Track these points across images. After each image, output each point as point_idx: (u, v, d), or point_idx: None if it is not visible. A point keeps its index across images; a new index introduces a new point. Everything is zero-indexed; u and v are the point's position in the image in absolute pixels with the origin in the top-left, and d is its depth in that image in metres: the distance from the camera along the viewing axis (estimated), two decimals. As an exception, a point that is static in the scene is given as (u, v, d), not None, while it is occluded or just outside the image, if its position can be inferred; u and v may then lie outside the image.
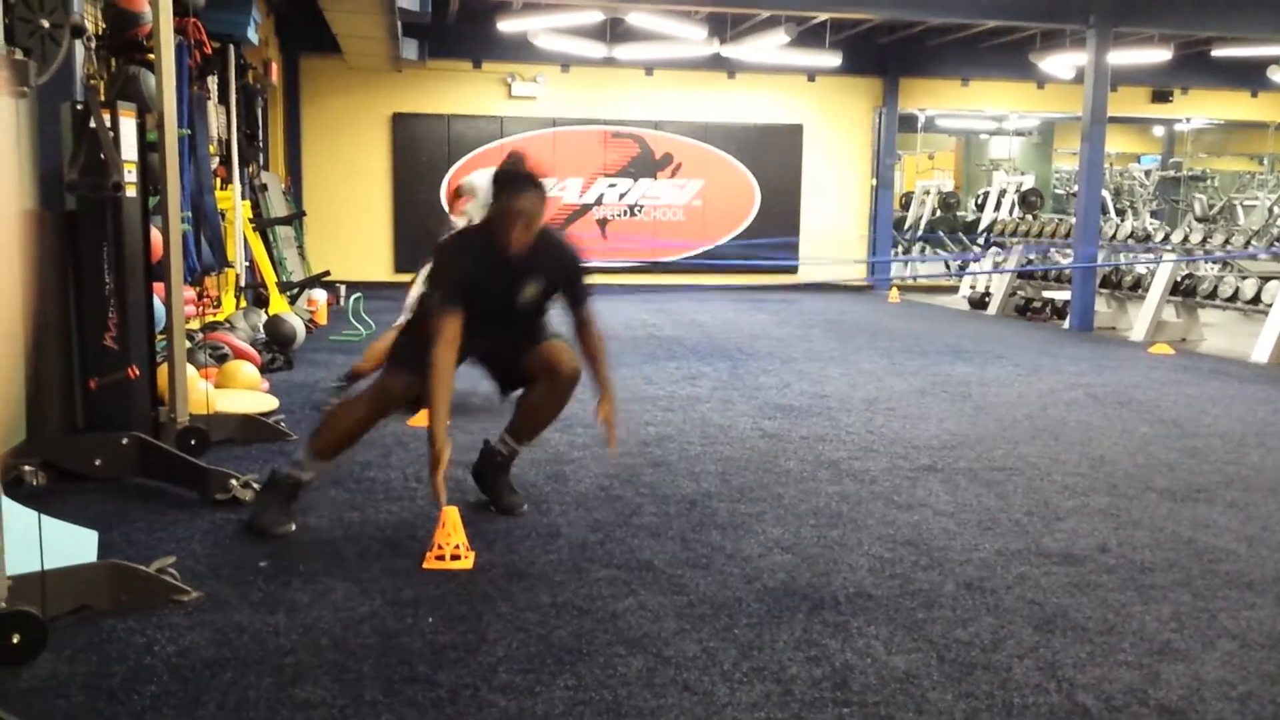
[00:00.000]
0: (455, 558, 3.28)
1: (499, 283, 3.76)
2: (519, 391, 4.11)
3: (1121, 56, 12.67)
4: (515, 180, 3.69)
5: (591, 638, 2.79)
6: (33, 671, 2.53)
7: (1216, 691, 2.55)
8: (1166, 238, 10.97)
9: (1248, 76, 15.65)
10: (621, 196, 15.32)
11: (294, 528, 3.66)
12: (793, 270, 15.64)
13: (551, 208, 3.99)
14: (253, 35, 8.19)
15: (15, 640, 2.54)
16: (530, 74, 14.83)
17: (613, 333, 9.40)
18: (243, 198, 8.60)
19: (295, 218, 11.38)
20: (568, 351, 3.94)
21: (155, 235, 4.56)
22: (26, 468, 3.99)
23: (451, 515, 3.33)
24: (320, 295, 9.95)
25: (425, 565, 3.26)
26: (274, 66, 12.17)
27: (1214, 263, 12.51)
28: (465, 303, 3.60)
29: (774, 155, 15.50)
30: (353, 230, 14.51)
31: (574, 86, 14.93)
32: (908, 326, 10.81)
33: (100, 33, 5.38)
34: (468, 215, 5.54)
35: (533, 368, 3.96)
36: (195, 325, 6.29)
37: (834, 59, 13.77)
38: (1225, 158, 24.32)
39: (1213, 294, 9.93)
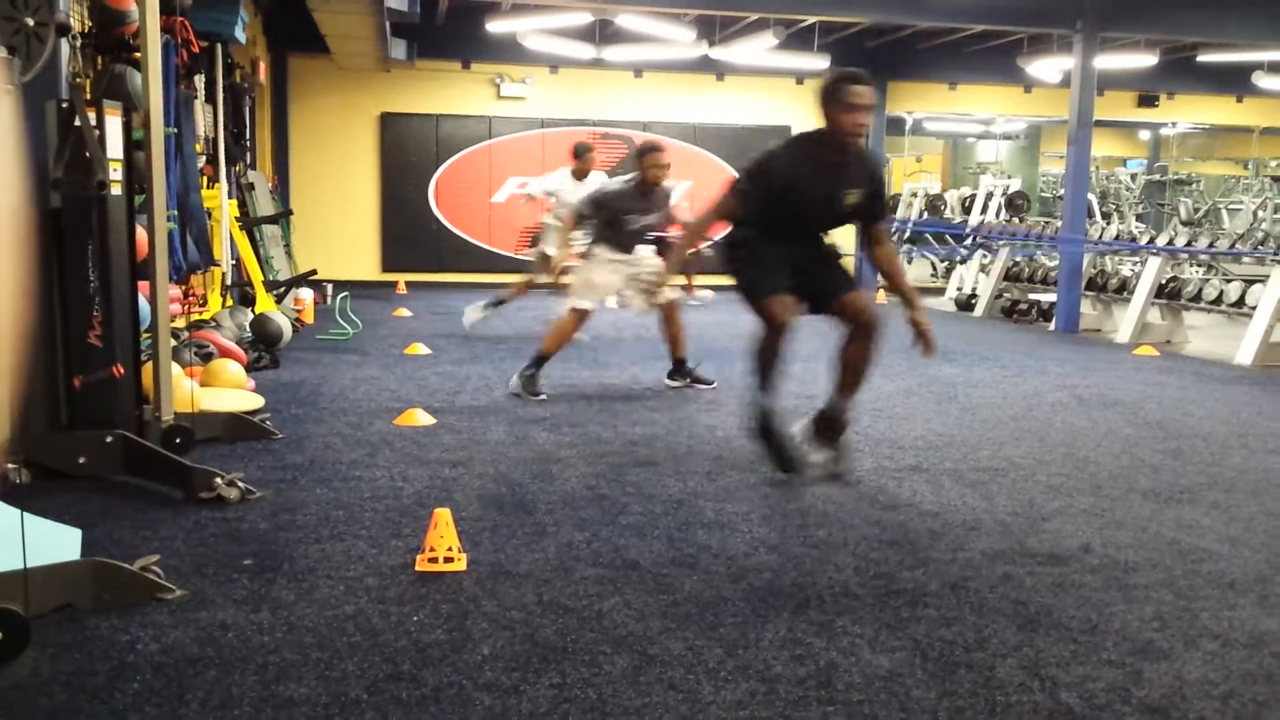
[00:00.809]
0: (448, 560, 3.27)
1: (824, 185, 4.15)
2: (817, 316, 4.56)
3: (1108, 61, 12.74)
4: (850, 77, 4.11)
5: (577, 636, 2.79)
6: (15, 670, 2.52)
7: (1198, 690, 2.57)
8: (1152, 241, 11.03)
9: (1233, 81, 15.74)
10: (610, 197, 15.32)
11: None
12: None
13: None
14: (240, 34, 8.16)
15: (-3, 638, 2.53)
16: (519, 75, 14.82)
17: (600, 333, 9.42)
18: (229, 196, 8.58)
19: (282, 216, 11.34)
20: (872, 302, 4.41)
21: (141, 233, 4.54)
22: (10, 465, 3.98)
23: (443, 516, 3.32)
24: (307, 294, 9.93)
25: (417, 568, 3.26)
26: (262, 66, 12.13)
27: (1199, 266, 12.59)
28: (788, 203, 4.14)
29: (762, 157, 15.51)
30: (340, 229, 14.48)
31: (563, 88, 14.93)
32: (894, 328, 10.83)
33: (87, 31, 5.36)
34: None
35: (843, 313, 4.41)
36: (181, 324, 6.26)
37: (822, 62, 13.79)
38: (1210, 162, 24.48)
39: (1197, 297, 9.99)
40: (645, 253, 6.72)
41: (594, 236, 6.48)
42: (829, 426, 4.46)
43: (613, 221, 6.30)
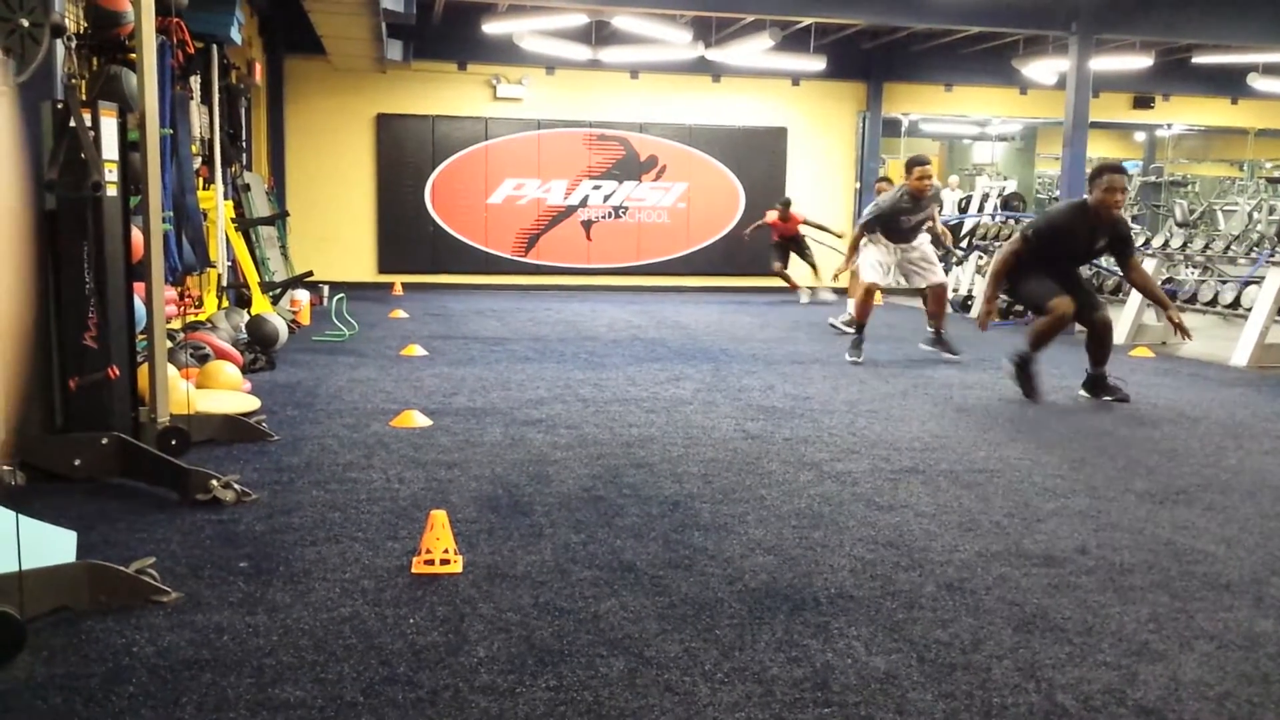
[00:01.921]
0: (445, 562, 3.27)
1: (1086, 239, 6.37)
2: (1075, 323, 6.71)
3: (1103, 63, 12.77)
4: (1108, 170, 6.27)
5: (573, 638, 2.79)
6: (10, 673, 2.51)
7: (1194, 692, 2.57)
8: (1147, 242, 11.04)
9: (1228, 83, 15.79)
10: (606, 199, 15.33)
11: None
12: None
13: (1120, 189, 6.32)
14: (236, 35, 8.16)
15: (-8, 641, 2.52)
16: (515, 76, 14.83)
17: (595, 334, 9.42)
18: (225, 198, 8.57)
19: (278, 218, 11.34)
20: (1108, 313, 6.67)
21: (136, 235, 4.53)
22: (5, 467, 3.97)
23: (439, 518, 3.32)
24: (303, 295, 9.92)
25: (414, 570, 3.25)
26: (258, 67, 12.13)
27: (1194, 268, 12.60)
28: (1057, 246, 6.38)
29: (758, 158, 15.55)
30: (336, 231, 14.47)
31: (559, 89, 14.93)
32: (891, 329, 10.84)
33: (82, 31, 5.35)
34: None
35: (1092, 321, 6.56)
36: (177, 325, 6.26)
37: (818, 63, 13.82)
38: (1206, 163, 24.54)
39: (1193, 298, 10.01)
40: (920, 240, 8.66)
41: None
42: (1095, 382, 6.69)
43: (890, 224, 8.40)
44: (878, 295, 8.67)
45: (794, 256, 14.03)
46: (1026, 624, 2.96)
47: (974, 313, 7.94)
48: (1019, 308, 11.95)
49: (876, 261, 8.52)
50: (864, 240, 8.63)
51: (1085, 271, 6.85)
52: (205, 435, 4.85)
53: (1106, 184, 6.16)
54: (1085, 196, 6.44)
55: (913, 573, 3.37)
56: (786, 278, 14.00)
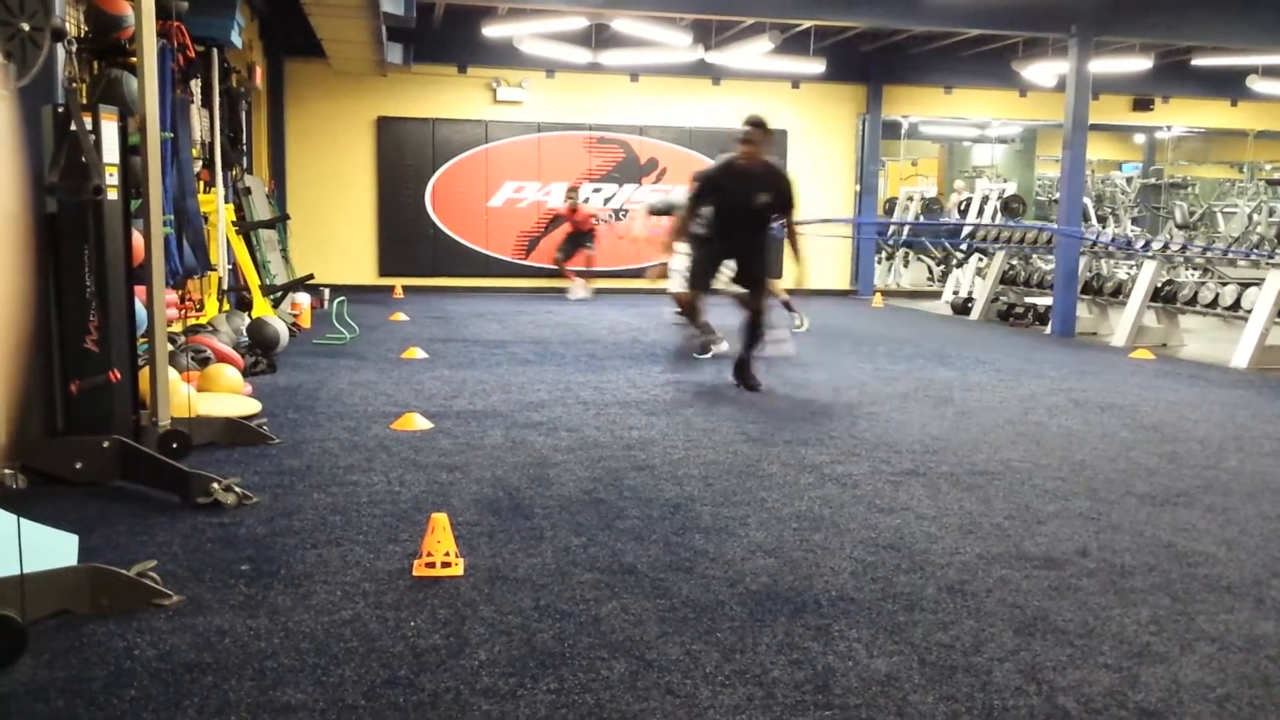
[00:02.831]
0: (446, 565, 3.27)
1: (741, 189, 6.39)
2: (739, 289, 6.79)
3: (1103, 65, 12.77)
4: (749, 121, 6.37)
5: (574, 641, 2.79)
6: (12, 676, 2.51)
7: (1195, 694, 2.57)
8: (1147, 244, 11.05)
9: (1228, 85, 15.78)
10: (606, 201, 15.33)
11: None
12: (777, 275, 15.67)
13: (769, 141, 6.48)
14: (236, 39, 8.16)
15: (-6, 644, 2.52)
16: (515, 79, 14.83)
17: (596, 337, 9.42)
18: (226, 201, 8.57)
19: (279, 221, 11.34)
20: (762, 303, 6.69)
21: (137, 238, 4.54)
22: (6, 471, 3.97)
23: (440, 521, 3.32)
24: (304, 299, 9.92)
25: (415, 573, 3.25)
26: (258, 70, 12.13)
27: (1194, 269, 12.62)
28: (720, 202, 6.49)
29: (758, 161, 15.52)
30: (337, 234, 14.47)
31: (559, 92, 14.93)
32: (891, 331, 10.85)
33: (82, 35, 5.36)
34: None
35: (745, 299, 6.64)
36: (177, 328, 6.26)
37: (818, 66, 13.82)
38: (1205, 165, 24.54)
39: (1193, 300, 10.01)
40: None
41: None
42: (741, 368, 6.74)
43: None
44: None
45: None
46: (1027, 626, 2.96)
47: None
48: (1019, 310, 11.99)
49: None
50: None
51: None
52: (206, 438, 4.85)
53: (740, 135, 6.38)
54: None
55: (913, 575, 3.37)
56: (566, 271, 13.89)
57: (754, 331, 6.68)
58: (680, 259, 8.13)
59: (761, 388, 6.70)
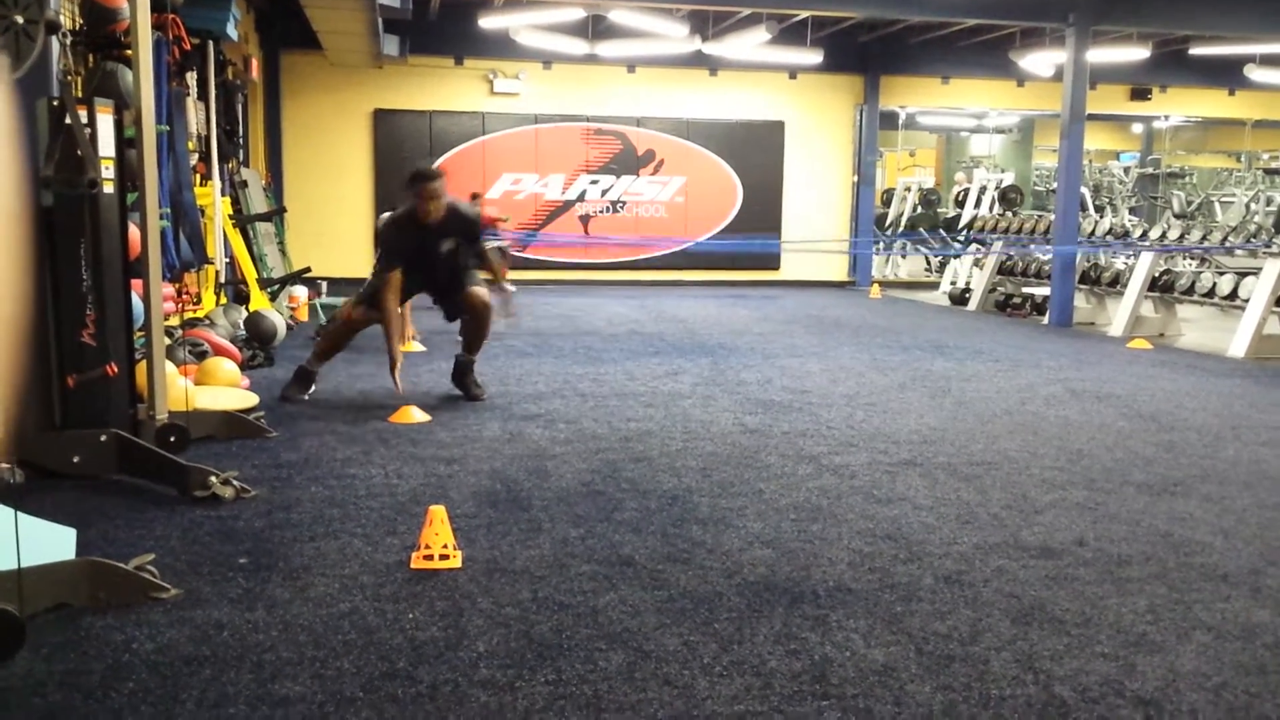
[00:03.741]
0: (444, 557, 3.27)
1: (423, 242, 5.89)
2: (457, 320, 6.28)
3: (1100, 54, 12.76)
4: (421, 176, 5.86)
5: (572, 633, 2.79)
6: (10, 670, 2.52)
7: (1191, 683, 2.58)
8: (1145, 234, 11.05)
9: (1225, 75, 15.78)
10: (604, 193, 15.32)
11: (307, 398, 5.97)
12: (775, 267, 15.71)
13: (445, 190, 5.95)
14: (232, 31, 8.14)
15: (-8, 638, 2.52)
16: (512, 70, 14.80)
17: (594, 329, 9.42)
18: (223, 194, 8.56)
19: (276, 214, 11.32)
20: (481, 292, 6.08)
21: (133, 231, 4.53)
22: (4, 465, 3.96)
23: (438, 513, 3.32)
24: (301, 292, 9.91)
25: (413, 565, 3.26)
26: (254, 62, 12.11)
27: (1192, 259, 12.62)
28: (404, 259, 5.89)
29: (756, 152, 15.54)
30: (334, 226, 14.45)
31: (556, 83, 14.91)
32: (889, 322, 10.85)
33: (77, 28, 5.34)
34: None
35: (465, 304, 6.09)
36: (175, 322, 6.25)
37: (815, 56, 13.81)
38: (1203, 155, 24.52)
39: (1190, 289, 10.02)
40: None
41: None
42: (460, 370, 6.19)
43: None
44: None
45: None
46: (1024, 616, 2.97)
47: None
48: (1016, 300, 11.99)
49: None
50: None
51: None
52: (204, 432, 4.85)
53: (419, 192, 5.76)
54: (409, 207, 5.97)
55: (911, 565, 3.37)
56: None
57: (475, 332, 6.11)
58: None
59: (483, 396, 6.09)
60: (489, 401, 5.99)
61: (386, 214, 7.04)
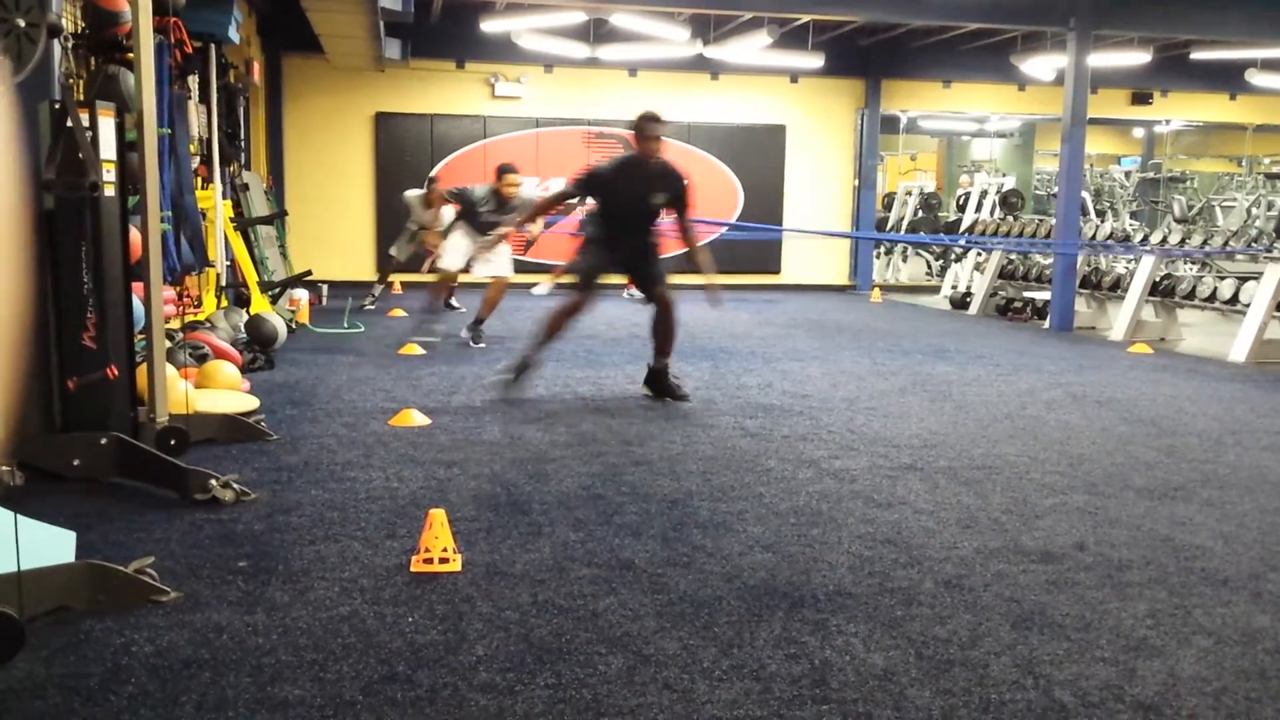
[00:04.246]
0: (444, 561, 3.27)
1: (638, 187, 6.04)
2: (641, 296, 6.50)
3: (1101, 59, 12.77)
4: (647, 117, 6.00)
5: (572, 636, 2.79)
6: (9, 672, 2.52)
7: (1192, 687, 2.58)
8: (1146, 239, 11.05)
9: (1226, 79, 15.77)
10: (606, 196, 15.32)
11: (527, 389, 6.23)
12: (775, 270, 15.71)
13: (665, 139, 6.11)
14: (234, 34, 8.15)
15: (-9, 641, 2.52)
16: (513, 74, 14.81)
17: (594, 332, 9.42)
18: (224, 197, 8.56)
19: (277, 217, 11.33)
20: (669, 292, 6.23)
21: (135, 234, 4.53)
22: (4, 467, 3.97)
23: (438, 517, 3.32)
24: (302, 295, 9.92)
25: (412, 568, 3.26)
26: (256, 66, 12.12)
27: (1193, 263, 12.61)
28: (610, 202, 6.13)
29: (757, 156, 15.54)
30: (335, 230, 14.46)
31: (557, 87, 14.92)
32: (889, 326, 10.85)
33: (79, 31, 5.34)
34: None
35: (655, 300, 6.23)
36: (175, 325, 6.25)
37: (816, 60, 13.81)
38: (1204, 159, 24.52)
39: (1191, 294, 10.01)
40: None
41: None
42: (655, 376, 6.32)
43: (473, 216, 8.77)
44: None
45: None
46: (1024, 620, 2.97)
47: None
48: (1017, 304, 11.99)
49: (459, 248, 8.88)
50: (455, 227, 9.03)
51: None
52: (204, 435, 4.85)
53: (644, 130, 5.96)
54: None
55: (911, 570, 3.37)
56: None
57: (664, 334, 6.24)
58: (456, 243, 8.78)
59: (689, 397, 6.24)
60: (489, 405, 5.99)
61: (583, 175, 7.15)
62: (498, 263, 8.58)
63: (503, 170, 8.74)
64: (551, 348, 6.43)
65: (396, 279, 13.02)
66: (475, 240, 8.68)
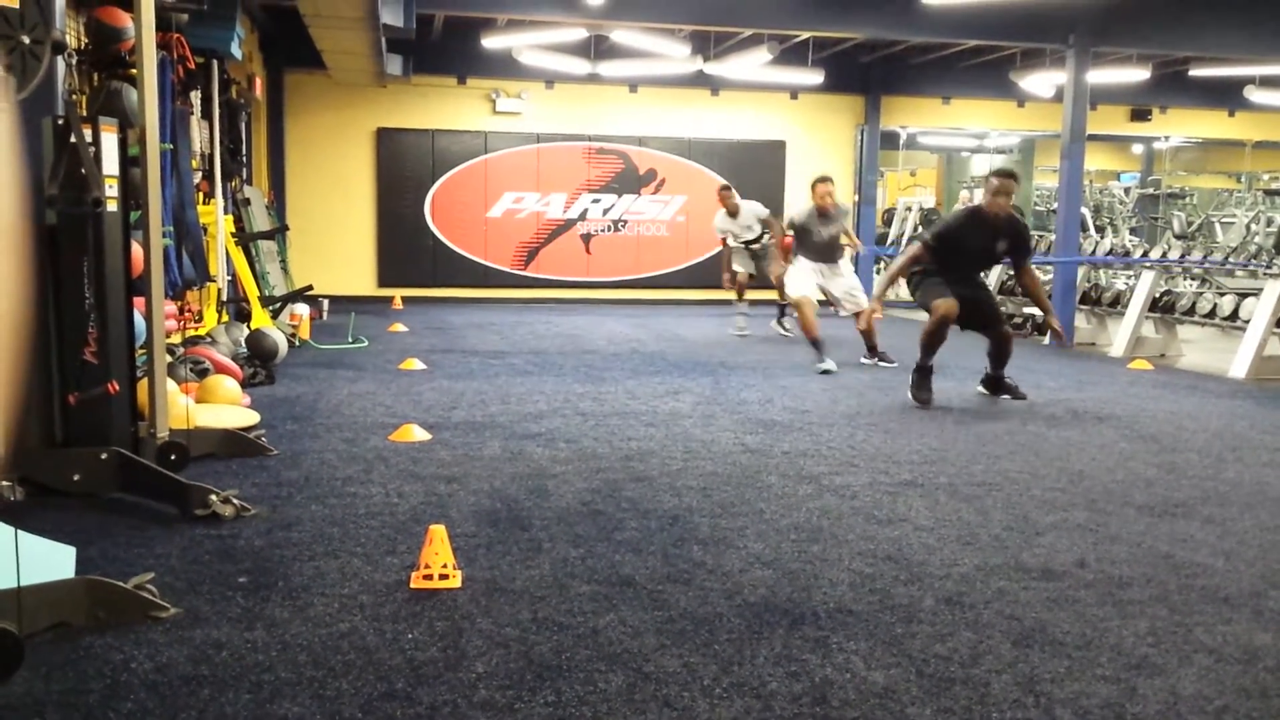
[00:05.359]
0: (444, 577, 3.27)
1: (985, 241, 6.81)
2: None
3: (1100, 75, 12.82)
4: (1002, 174, 6.82)
5: (572, 654, 2.79)
6: (8, 689, 2.51)
7: (1193, 706, 2.57)
8: (1145, 254, 11.06)
9: (1225, 96, 15.83)
10: (605, 212, 15.36)
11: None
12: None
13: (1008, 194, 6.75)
14: (236, 50, 8.19)
15: (-10, 657, 2.52)
16: (515, 90, 14.87)
17: (595, 347, 9.43)
18: (225, 212, 8.59)
19: (278, 232, 11.35)
20: (1007, 327, 7.14)
21: (136, 249, 4.54)
22: (4, 482, 3.96)
23: (438, 533, 3.32)
24: (303, 310, 9.94)
25: (412, 585, 3.25)
26: (258, 81, 12.17)
27: (1192, 279, 12.63)
28: (953, 250, 6.80)
29: (757, 171, 15.57)
30: (336, 244, 14.50)
31: (558, 102, 14.98)
32: (889, 341, 10.83)
33: (83, 48, 5.38)
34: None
35: (998, 337, 7.01)
36: (176, 340, 6.26)
37: (816, 77, 13.87)
38: (1203, 175, 24.57)
39: (1191, 310, 10.02)
40: (845, 268, 9.22)
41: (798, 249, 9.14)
42: (992, 381, 7.20)
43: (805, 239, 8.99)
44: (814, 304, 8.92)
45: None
46: (1025, 638, 2.96)
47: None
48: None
49: (802, 277, 8.97)
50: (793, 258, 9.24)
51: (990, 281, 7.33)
52: (204, 450, 4.85)
53: (994, 187, 6.73)
54: (979, 203, 6.98)
55: (911, 587, 3.37)
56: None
57: (1003, 356, 7.07)
58: (801, 268, 8.94)
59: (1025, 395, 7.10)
60: (489, 420, 5.99)
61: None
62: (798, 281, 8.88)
63: (817, 181, 9.08)
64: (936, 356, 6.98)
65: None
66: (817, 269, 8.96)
